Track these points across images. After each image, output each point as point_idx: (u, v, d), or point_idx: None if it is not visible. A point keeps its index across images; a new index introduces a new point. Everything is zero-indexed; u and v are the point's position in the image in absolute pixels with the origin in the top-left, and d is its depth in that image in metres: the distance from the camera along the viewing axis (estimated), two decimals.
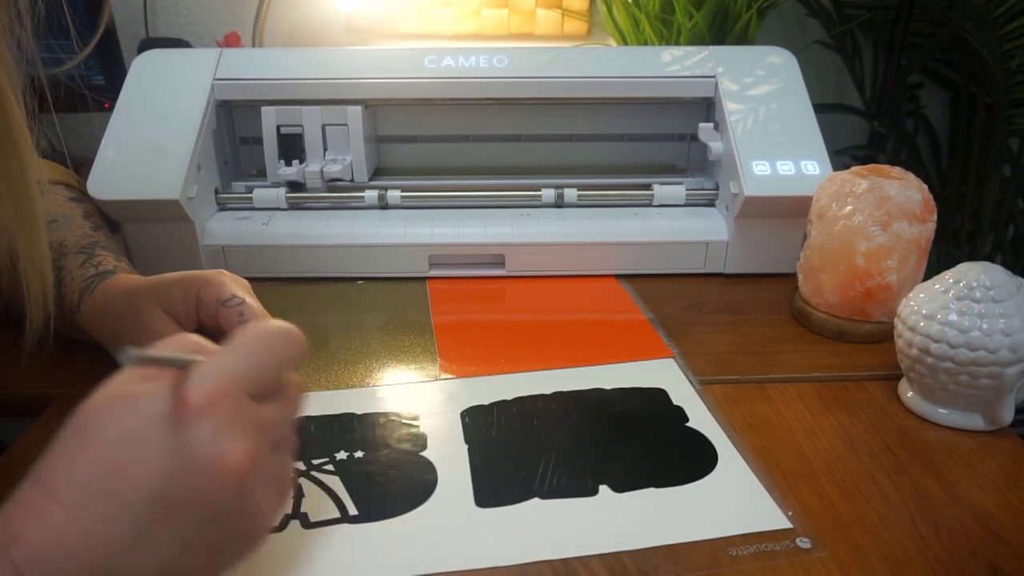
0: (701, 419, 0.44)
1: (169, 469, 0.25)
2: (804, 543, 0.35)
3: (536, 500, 0.38)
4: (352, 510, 0.37)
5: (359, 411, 0.45)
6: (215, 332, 0.43)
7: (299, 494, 0.38)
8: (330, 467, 0.40)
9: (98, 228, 0.54)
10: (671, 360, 0.51)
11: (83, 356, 0.49)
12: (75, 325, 0.47)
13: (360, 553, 0.34)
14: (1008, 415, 0.43)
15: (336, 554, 0.34)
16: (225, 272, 0.44)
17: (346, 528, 0.36)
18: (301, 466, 0.40)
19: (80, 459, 0.25)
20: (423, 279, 0.64)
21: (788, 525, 0.36)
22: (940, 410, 0.45)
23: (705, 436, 0.43)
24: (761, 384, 0.48)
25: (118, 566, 0.24)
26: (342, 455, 0.41)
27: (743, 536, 0.35)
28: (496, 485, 0.39)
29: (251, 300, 0.43)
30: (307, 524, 0.36)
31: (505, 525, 0.36)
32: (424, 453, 0.41)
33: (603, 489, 0.38)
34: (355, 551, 0.34)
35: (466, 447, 0.42)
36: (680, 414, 0.45)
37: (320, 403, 0.46)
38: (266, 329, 0.29)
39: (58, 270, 0.47)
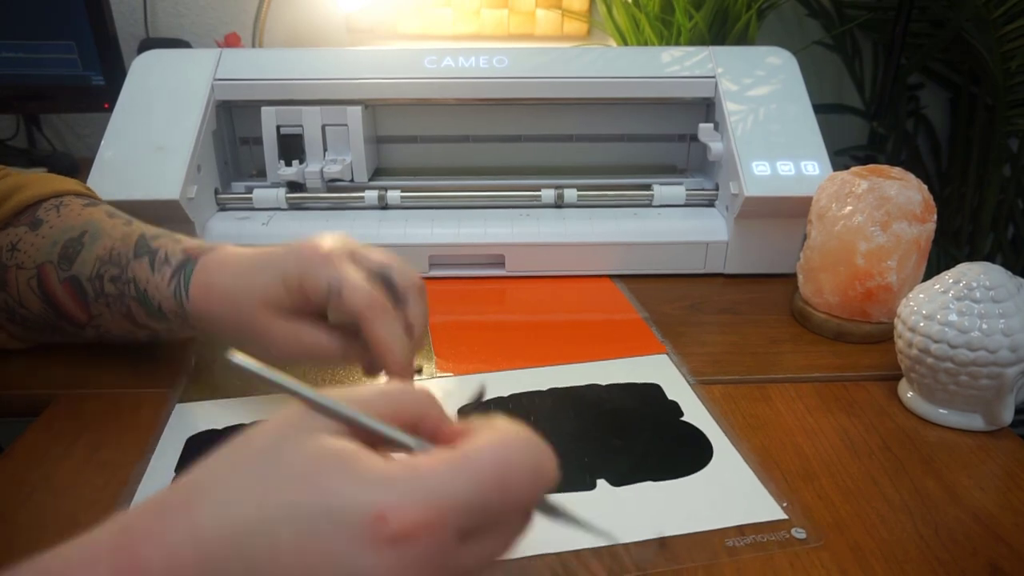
0: (696, 414, 0.45)
1: None
2: (799, 533, 0.35)
3: None
4: None
5: None
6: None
7: None
8: None
9: (130, 221, 0.48)
10: (664, 356, 0.51)
11: (83, 356, 0.49)
12: (190, 325, 0.43)
13: None
14: (1008, 415, 0.43)
15: None
16: (316, 250, 0.37)
17: None
18: None
19: (247, 496, 0.21)
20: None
21: (783, 516, 0.37)
22: (940, 410, 0.45)
23: (700, 430, 0.43)
24: (761, 384, 0.48)
25: None
26: None
27: (739, 528, 0.36)
28: None
29: (350, 271, 0.35)
30: None
31: None
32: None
33: (601, 483, 0.39)
34: None
35: None
36: (675, 409, 0.45)
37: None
38: (513, 451, 0.22)
39: (131, 283, 0.44)
